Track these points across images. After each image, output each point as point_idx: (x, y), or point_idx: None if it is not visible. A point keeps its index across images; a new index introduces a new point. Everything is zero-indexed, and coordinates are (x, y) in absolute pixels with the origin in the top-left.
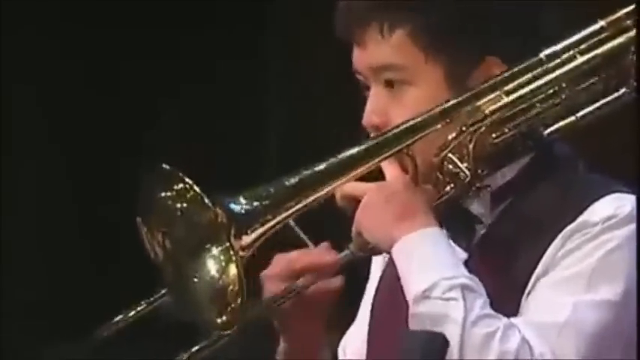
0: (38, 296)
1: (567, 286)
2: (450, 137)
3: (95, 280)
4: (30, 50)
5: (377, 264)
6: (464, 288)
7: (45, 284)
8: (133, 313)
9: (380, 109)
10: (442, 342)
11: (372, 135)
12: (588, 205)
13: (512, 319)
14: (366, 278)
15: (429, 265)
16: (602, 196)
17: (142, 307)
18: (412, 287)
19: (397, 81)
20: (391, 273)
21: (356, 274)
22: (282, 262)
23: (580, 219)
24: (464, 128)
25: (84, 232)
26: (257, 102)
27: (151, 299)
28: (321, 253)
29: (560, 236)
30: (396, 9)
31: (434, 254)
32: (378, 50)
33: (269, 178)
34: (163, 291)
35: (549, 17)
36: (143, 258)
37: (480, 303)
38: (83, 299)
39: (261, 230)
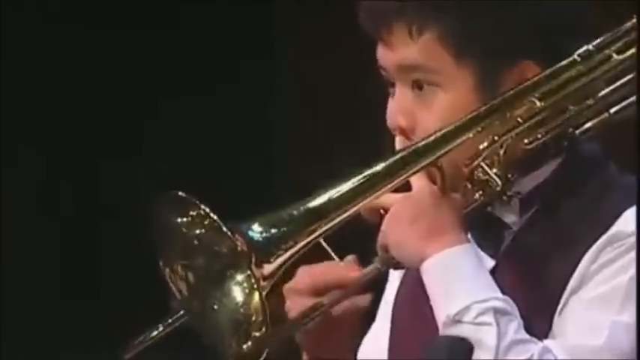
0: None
1: (602, 304)
2: (481, 147)
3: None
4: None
5: (395, 273)
6: (497, 312)
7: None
8: (154, 333)
9: (406, 111)
10: (469, 347)
11: (396, 136)
12: (621, 213)
13: (546, 342)
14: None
15: (460, 287)
16: (633, 203)
17: (160, 330)
18: (443, 310)
19: (426, 83)
20: (412, 280)
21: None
22: (306, 275)
23: (614, 229)
24: (496, 137)
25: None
26: (263, 103)
27: (169, 321)
28: (347, 268)
29: (593, 248)
30: (423, 10)
31: (465, 274)
32: (406, 51)
33: (278, 181)
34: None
35: (584, 17)
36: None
37: (514, 326)
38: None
39: (284, 257)
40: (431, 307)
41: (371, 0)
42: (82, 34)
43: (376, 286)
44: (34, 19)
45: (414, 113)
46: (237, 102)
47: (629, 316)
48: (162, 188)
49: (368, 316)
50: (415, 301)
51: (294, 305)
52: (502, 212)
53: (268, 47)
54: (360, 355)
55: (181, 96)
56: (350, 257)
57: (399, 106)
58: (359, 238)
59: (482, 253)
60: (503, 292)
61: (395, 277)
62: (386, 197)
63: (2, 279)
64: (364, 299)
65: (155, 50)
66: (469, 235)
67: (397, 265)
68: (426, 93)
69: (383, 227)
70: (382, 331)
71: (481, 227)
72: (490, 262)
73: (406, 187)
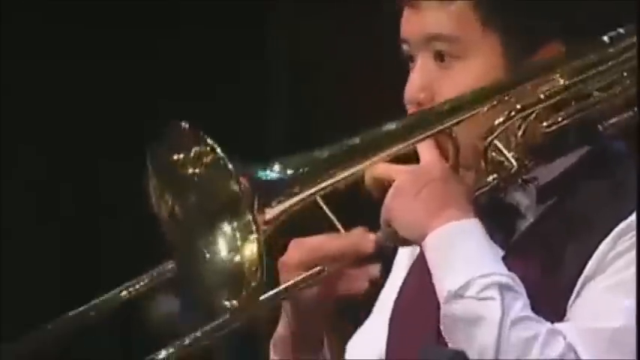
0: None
1: (619, 290)
2: (497, 121)
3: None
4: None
5: (402, 260)
6: (502, 287)
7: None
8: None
9: (427, 84)
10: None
11: (409, 111)
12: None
13: (558, 325)
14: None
15: (464, 261)
16: None
17: (145, 282)
18: (444, 285)
19: (449, 54)
20: (421, 269)
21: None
22: (302, 248)
23: (631, 218)
24: (513, 112)
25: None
26: (259, 104)
27: (155, 273)
28: (355, 237)
29: (610, 236)
30: None
31: (469, 249)
32: (433, 16)
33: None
34: (170, 265)
35: (624, 5)
36: None
37: (520, 304)
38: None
39: (287, 204)
40: (433, 307)
41: None
42: (82, 34)
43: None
44: (34, 19)
45: (435, 86)
46: (235, 103)
47: None
48: None
49: (364, 311)
50: (418, 300)
51: (285, 280)
52: (518, 201)
53: (263, 49)
54: (348, 348)
55: (181, 97)
56: (358, 229)
57: (420, 80)
58: (361, 211)
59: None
60: None
61: (396, 276)
62: (391, 169)
63: (2, 279)
64: (374, 269)
65: (155, 50)
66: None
67: (402, 241)
68: (448, 64)
69: (386, 200)
70: (377, 327)
71: (493, 216)
72: (500, 253)
73: (415, 160)
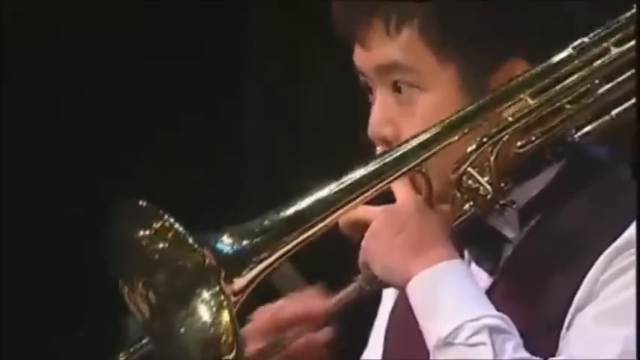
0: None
1: (614, 318)
2: (469, 150)
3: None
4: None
5: (388, 291)
6: (492, 330)
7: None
8: None
9: (388, 119)
10: None
11: (378, 148)
12: (632, 219)
13: None
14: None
15: (451, 306)
16: None
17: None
18: (432, 333)
19: (406, 84)
20: (405, 303)
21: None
22: (264, 315)
23: (626, 235)
24: (485, 139)
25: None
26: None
27: (132, 350)
28: (308, 301)
29: (602, 257)
30: (400, 4)
31: (455, 291)
32: (384, 50)
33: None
34: (144, 341)
35: (582, 13)
36: None
37: (512, 345)
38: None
39: (256, 271)
40: (423, 348)
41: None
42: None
43: (371, 304)
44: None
45: (396, 120)
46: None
47: None
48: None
49: (362, 341)
50: (407, 325)
51: (253, 348)
52: (500, 225)
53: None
54: None
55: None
56: (312, 290)
57: (380, 115)
58: (341, 255)
59: (478, 270)
60: (502, 311)
61: (388, 300)
62: (366, 210)
63: (2, 279)
64: (323, 334)
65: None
66: (465, 252)
67: (382, 284)
68: (406, 96)
69: (364, 243)
70: (374, 356)
71: (478, 242)
72: (488, 280)
73: (390, 200)
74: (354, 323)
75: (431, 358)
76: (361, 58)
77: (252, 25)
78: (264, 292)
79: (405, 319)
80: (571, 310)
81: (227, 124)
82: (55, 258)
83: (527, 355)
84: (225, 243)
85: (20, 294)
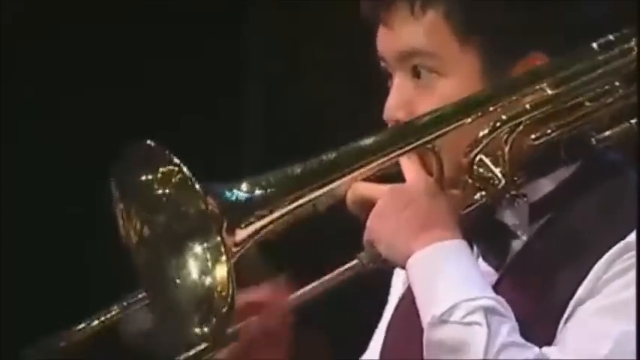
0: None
1: (612, 314)
2: (481, 134)
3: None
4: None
5: (397, 287)
6: (488, 311)
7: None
8: (103, 318)
9: (405, 102)
10: None
11: None
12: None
13: (545, 349)
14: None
15: (448, 284)
16: None
17: (115, 312)
18: (428, 310)
19: (426, 69)
20: (408, 302)
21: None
22: None
23: (629, 238)
24: (499, 123)
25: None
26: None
27: (125, 303)
28: (269, 292)
29: (604, 258)
30: None
31: (454, 271)
32: (406, 32)
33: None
34: (140, 295)
35: (609, 13)
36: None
37: (507, 328)
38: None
39: (258, 224)
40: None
41: None
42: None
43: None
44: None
45: (414, 104)
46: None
47: None
48: None
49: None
50: (408, 324)
51: None
52: (510, 219)
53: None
54: None
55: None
56: (275, 281)
57: (398, 98)
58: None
59: (485, 266)
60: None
61: (393, 302)
62: (373, 188)
63: (2, 279)
64: (286, 324)
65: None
66: (474, 248)
67: (385, 263)
68: (425, 81)
69: (369, 221)
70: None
71: (486, 237)
72: (493, 276)
73: (399, 180)
74: (358, 323)
75: (425, 335)
76: (383, 39)
77: (252, 25)
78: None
79: (406, 318)
80: (571, 303)
81: (227, 124)
82: (55, 258)
83: (521, 340)
84: (238, 191)
85: (20, 294)
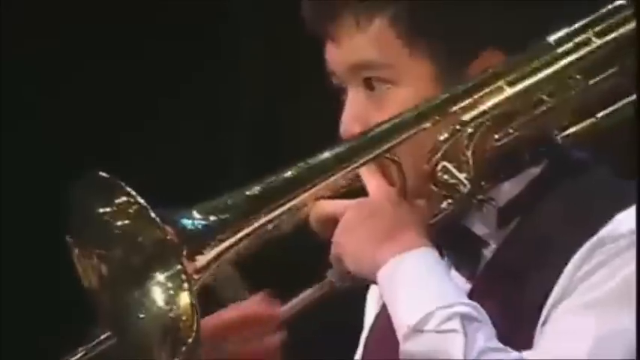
0: None
1: (589, 312)
2: (441, 138)
3: None
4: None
5: (371, 306)
6: (464, 317)
7: None
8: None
9: (360, 116)
10: None
11: None
12: (610, 217)
13: (525, 353)
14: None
15: (421, 293)
16: (627, 204)
17: (81, 355)
18: (402, 320)
19: (378, 81)
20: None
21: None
22: (208, 324)
23: (602, 232)
24: (459, 126)
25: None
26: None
27: (91, 345)
28: (254, 306)
29: (577, 256)
30: None
31: (426, 279)
32: (354, 45)
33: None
34: (105, 335)
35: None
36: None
37: (484, 334)
38: None
39: (218, 249)
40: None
41: None
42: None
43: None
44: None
45: (370, 117)
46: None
47: (620, 323)
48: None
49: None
50: (385, 338)
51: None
52: (478, 225)
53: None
54: None
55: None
56: (259, 295)
57: (353, 112)
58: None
59: (457, 275)
60: None
61: (371, 308)
62: (337, 205)
63: (2, 279)
64: (273, 339)
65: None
66: (445, 258)
67: (354, 279)
68: (378, 92)
69: (335, 236)
70: None
71: (457, 247)
72: (466, 285)
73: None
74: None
75: (400, 347)
76: (332, 55)
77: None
78: (207, 302)
79: (382, 336)
80: (547, 305)
81: (227, 123)
82: (54, 258)
83: (499, 344)
84: (193, 217)
85: (20, 294)
